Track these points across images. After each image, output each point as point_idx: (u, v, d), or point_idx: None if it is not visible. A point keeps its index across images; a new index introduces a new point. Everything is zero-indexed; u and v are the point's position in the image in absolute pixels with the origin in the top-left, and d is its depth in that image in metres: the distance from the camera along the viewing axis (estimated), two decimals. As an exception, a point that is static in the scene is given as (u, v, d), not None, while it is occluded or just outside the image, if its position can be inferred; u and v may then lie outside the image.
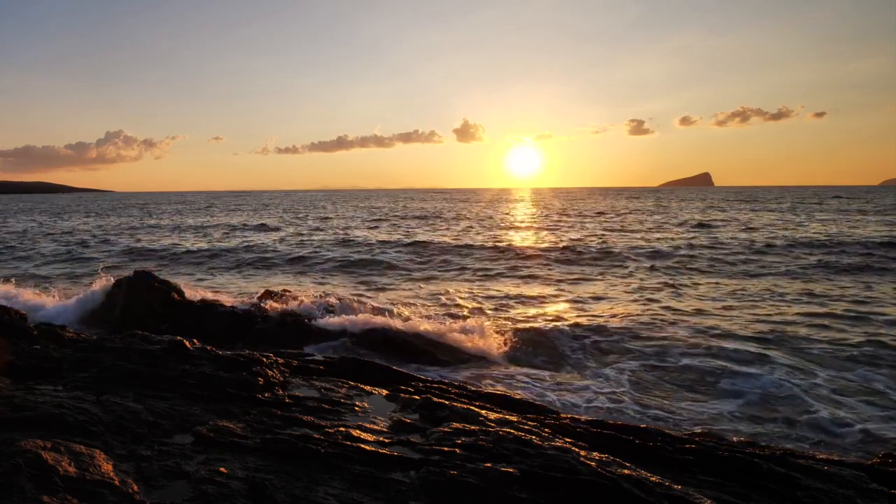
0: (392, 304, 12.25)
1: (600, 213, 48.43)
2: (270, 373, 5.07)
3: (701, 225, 34.07)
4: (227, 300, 11.67)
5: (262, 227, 37.21)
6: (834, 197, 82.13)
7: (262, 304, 10.98)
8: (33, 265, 21.39)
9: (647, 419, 6.39)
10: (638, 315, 11.35)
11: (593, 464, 3.35)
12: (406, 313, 10.90)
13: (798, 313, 11.54)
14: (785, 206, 57.89)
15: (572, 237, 28.22)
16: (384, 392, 5.19)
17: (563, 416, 5.15)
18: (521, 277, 16.98)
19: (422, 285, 16.08)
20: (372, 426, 4.12)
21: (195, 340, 5.85)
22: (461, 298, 13.85)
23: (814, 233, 27.88)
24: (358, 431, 3.88)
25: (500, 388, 6.87)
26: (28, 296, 12.03)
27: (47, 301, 11.92)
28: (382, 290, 15.49)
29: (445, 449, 3.57)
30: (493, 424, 4.04)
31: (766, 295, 13.58)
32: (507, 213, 52.60)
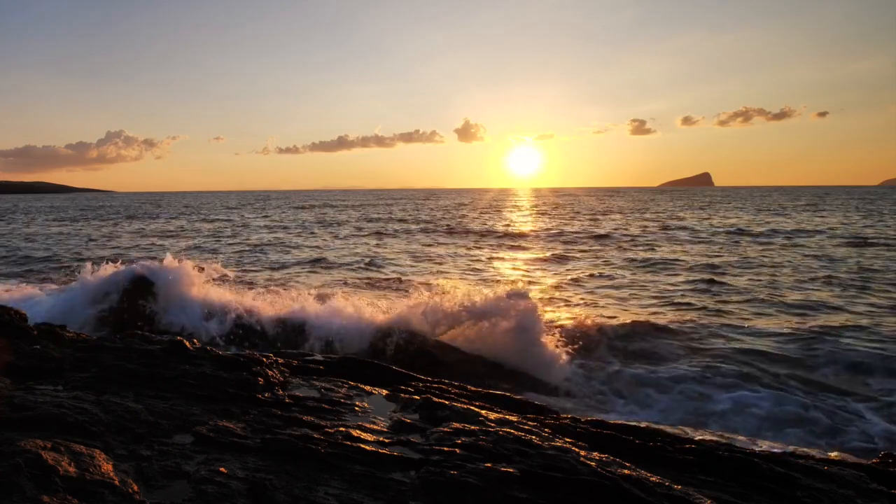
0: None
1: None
2: (270, 373, 5.07)
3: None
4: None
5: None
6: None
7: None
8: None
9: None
10: None
11: (593, 464, 3.35)
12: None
13: None
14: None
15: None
16: (384, 392, 5.19)
17: (563, 416, 5.15)
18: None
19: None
20: (372, 426, 4.11)
21: (195, 340, 5.86)
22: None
23: None
24: (358, 431, 3.88)
25: (500, 389, 6.87)
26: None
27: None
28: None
29: (445, 449, 3.57)
30: (493, 424, 4.04)
31: None
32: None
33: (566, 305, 13.99)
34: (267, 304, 10.88)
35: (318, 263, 21.36)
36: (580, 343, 9.90)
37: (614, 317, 12.34)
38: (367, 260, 22.03)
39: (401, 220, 46.24)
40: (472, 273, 20.00)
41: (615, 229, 35.23)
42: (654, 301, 14.46)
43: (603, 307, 13.74)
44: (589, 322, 11.14)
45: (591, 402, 8.00)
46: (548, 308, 12.23)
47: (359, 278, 18.26)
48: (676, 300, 14.34)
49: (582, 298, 14.90)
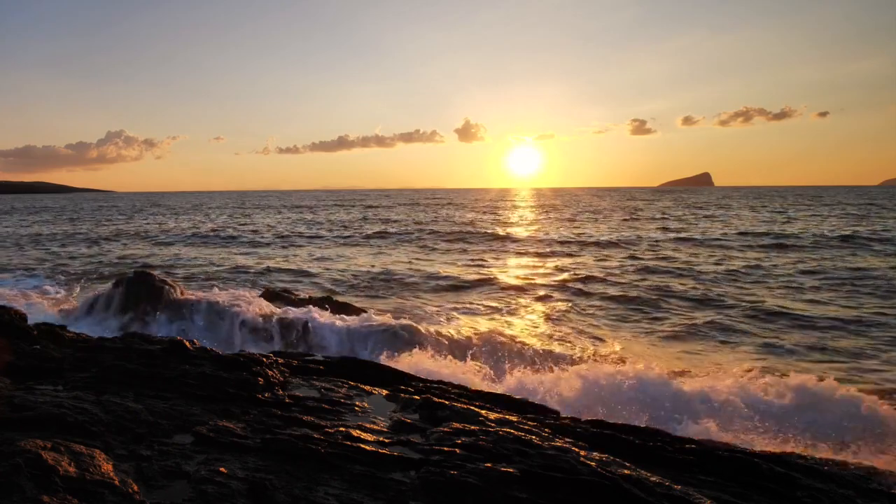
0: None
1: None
2: (270, 373, 5.07)
3: None
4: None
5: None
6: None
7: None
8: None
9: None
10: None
11: (593, 464, 3.35)
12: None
13: None
14: None
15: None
16: (384, 392, 5.19)
17: (563, 416, 5.16)
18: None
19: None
20: (372, 426, 4.11)
21: (195, 340, 5.86)
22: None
23: None
24: (358, 431, 3.88)
25: (499, 388, 6.86)
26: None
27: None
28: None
29: (445, 449, 3.57)
30: (493, 424, 4.04)
31: None
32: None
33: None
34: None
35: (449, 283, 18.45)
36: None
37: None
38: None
39: (434, 222, 43.29)
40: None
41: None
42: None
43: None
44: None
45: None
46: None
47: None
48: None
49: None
